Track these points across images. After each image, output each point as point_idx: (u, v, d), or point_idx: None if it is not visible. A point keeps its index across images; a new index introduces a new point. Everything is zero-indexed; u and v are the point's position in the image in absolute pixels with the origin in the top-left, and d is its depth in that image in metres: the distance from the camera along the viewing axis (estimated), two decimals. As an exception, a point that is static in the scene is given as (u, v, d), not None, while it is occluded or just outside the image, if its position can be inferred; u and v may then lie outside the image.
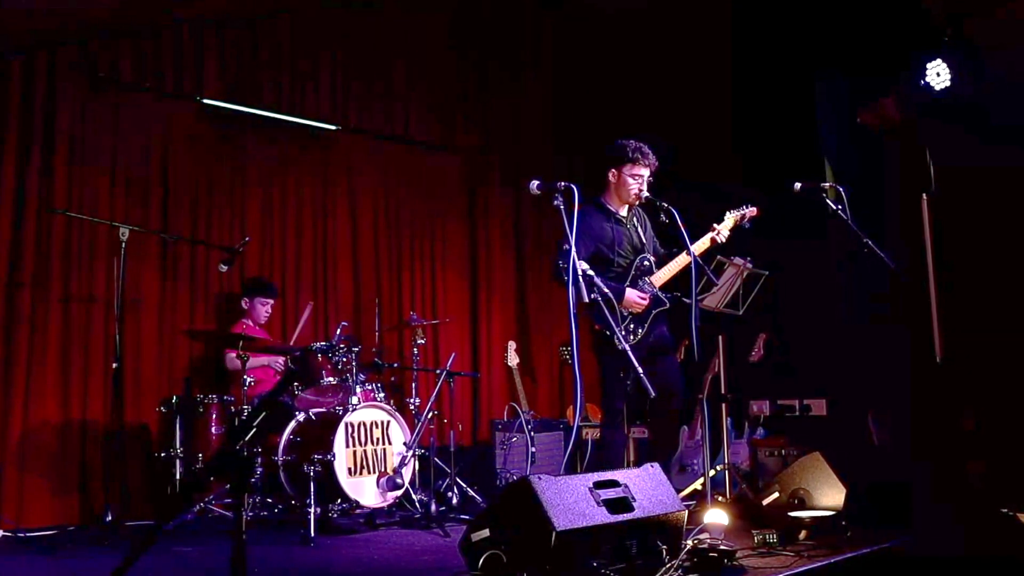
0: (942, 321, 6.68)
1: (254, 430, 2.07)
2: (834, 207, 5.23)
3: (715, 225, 5.33)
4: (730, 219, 5.39)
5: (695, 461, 7.00)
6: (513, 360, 7.78)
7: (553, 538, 3.42)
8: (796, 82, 7.63)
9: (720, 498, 5.49)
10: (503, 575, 3.49)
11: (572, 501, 3.60)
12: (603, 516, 3.66)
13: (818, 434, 6.81)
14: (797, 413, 7.02)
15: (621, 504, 3.77)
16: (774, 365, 7.33)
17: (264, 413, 2.07)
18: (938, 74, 6.69)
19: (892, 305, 7.04)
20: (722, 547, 3.91)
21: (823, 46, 7.40)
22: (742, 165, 7.79)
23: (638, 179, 5.24)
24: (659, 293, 5.22)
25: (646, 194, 5.24)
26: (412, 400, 6.29)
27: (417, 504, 5.75)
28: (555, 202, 4.52)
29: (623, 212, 5.37)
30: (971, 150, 6.80)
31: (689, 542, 3.99)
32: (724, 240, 5.32)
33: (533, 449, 6.92)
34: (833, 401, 6.97)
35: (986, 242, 6.74)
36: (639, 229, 5.39)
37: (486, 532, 3.68)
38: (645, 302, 5.12)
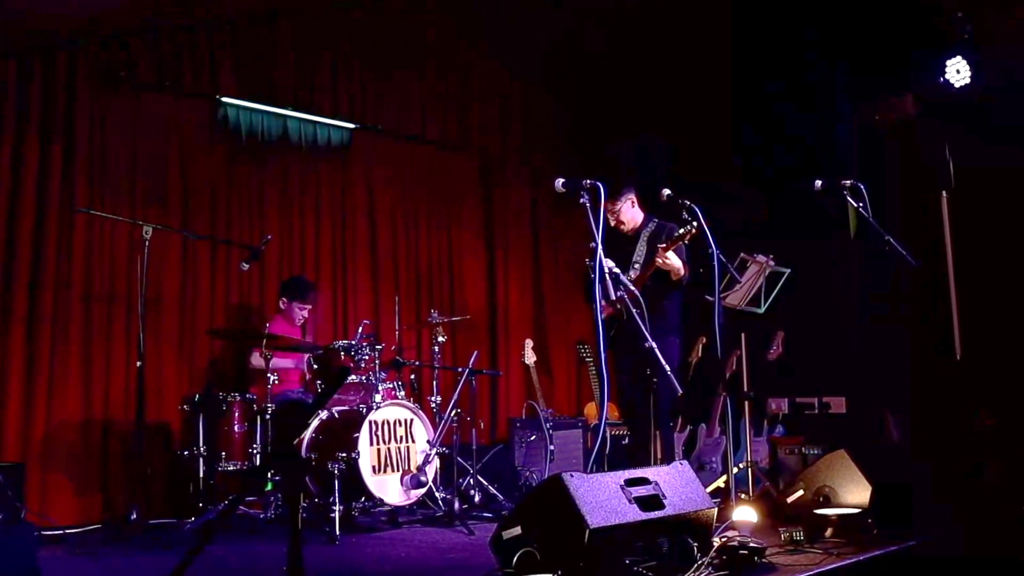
0: (960, 319, 6.70)
1: (309, 428, 2.08)
2: (855, 204, 5.21)
3: (661, 246, 5.24)
4: (670, 243, 5.26)
5: (713, 459, 7.00)
6: (530, 358, 7.78)
7: (586, 536, 3.42)
8: (796, 82, 7.66)
9: (743, 495, 5.49)
10: (537, 573, 3.49)
11: (604, 499, 3.60)
12: (635, 514, 3.67)
13: (831, 432, 6.83)
14: (816, 411, 7.03)
15: (652, 502, 3.77)
16: (778, 364, 7.32)
17: (317, 412, 2.07)
18: (958, 71, 6.70)
19: (892, 304, 7.05)
20: (752, 544, 3.91)
21: (829, 45, 7.42)
22: (742, 165, 7.84)
23: (610, 215, 5.57)
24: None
25: (667, 192, 5.27)
26: (433, 398, 6.29)
27: (440, 502, 5.75)
28: (581, 200, 4.52)
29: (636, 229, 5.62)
30: (975, 149, 6.82)
31: (716, 539, 3.99)
32: (667, 261, 5.23)
33: (552, 447, 6.92)
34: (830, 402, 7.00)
35: (989, 241, 6.76)
36: (643, 245, 5.51)
37: (517, 530, 3.69)
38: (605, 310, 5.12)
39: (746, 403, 5.98)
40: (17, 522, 4.88)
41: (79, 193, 6.17)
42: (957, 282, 6.73)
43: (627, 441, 7.05)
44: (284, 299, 6.54)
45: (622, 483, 3.76)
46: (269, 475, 5.46)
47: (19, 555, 2.49)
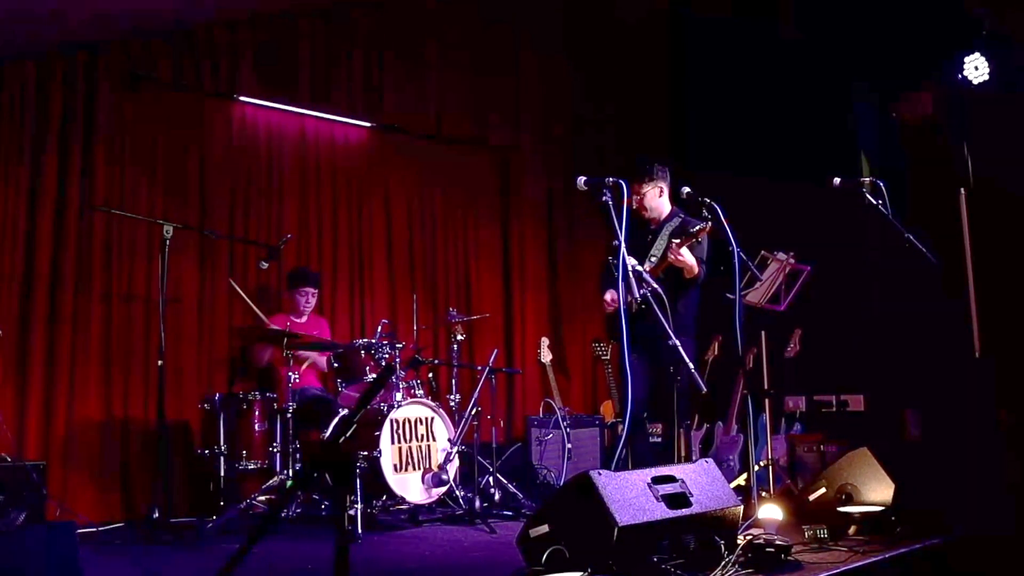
0: (980, 315, 6.68)
1: (355, 427, 2.08)
2: (874, 202, 5.20)
3: (675, 242, 5.13)
4: (684, 239, 5.17)
5: (731, 457, 7.00)
6: (546, 356, 7.78)
7: (615, 533, 3.42)
8: (804, 79, 7.66)
9: (764, 493, 5.48)
10: (566, 571, 3.48)
11: (633, 496, 3.60)
12: (662, 511, 3.66)
13: (849, 429, 6.82)
14: (833, 408, 7.03)
15: (679, 499, 3.77)
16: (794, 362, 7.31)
17: (362, 411, 2.08)
18: (976, 68, 6.67)
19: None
20: (778, 542, 3.91)
21: (841, 42, 7.41)
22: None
23: (635, 197, 5.36)
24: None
25: (687, 190, 5.24)
26: (452, 396, 6.29)
27: (461, 501, 5.74)
28: (603, 197, 4.51)
29: (659, 221, 5.48)
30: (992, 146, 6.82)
31: (741, 537, 3.99)
32: (679, 258, 5.11)
33: (569, 445, 6.93)
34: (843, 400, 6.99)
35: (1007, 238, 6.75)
36: (662, 239, 5.39)
37: (545, 528, 3.69)
38: (610, 306, 5.13)
39: (766, 401, 5.96)
40: (39, 520, 4.91)
41: (98, 191, 6.19)
42: (976, 279, 6.70)
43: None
44: (286, 292, 6.55)
45: (649, 481, 3.75)
46: (289, 473, 5.49)
47: (62, 554, 2.50)
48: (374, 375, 5.79)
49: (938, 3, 6.83)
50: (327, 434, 5.62)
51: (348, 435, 2.00)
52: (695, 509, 3.78)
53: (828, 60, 7.47)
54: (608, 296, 5.12)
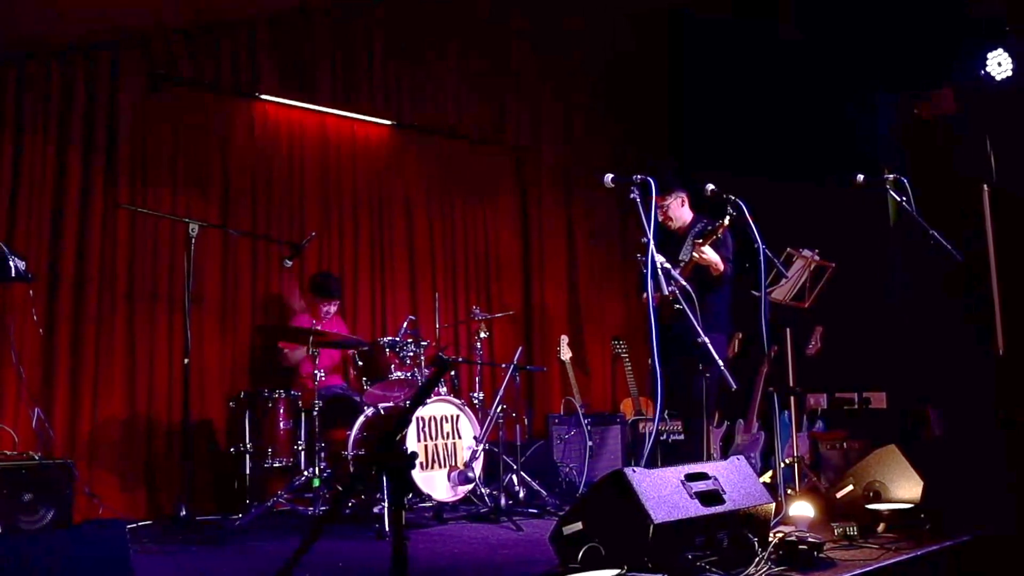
0: (1004, 314, 6.65)
1: (409, 422, 2.08)
2: (898, 199, 5.19)
3: (697, 241, 5.29)
4: (704, 238, 5.31)
5: (752, 455, 6.97)
6: (566, 354, 7.77)
7: (651, 530, 3.42)
8: (823, 75, 7.63)
9: (790, 491, 5.47)
10: (601, 568, 3.48)
11: (667, 494, 3.60)
12: (696, 508, 3.66)
13: (871, 427, 6.81)
14: (856, 406, 7.01)
15: (713, 497, 3.77)
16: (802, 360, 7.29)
17: (418, 407, 2.07)
18: (999, 64, 6.65)
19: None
20: (810, 539, 3.90)
21: (863, 39, 7.38)
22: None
23: (659, 209, 5.50)
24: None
25: (711, 187, 5.25)
26: (476, 394, 6.29)
27: (486, 498, 5.74)
28: (631, 195, 4.52)
29: (685, 228, 5.66)
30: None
31: (772, 534, 3.98)
32: (704, 257, 5.27)
33: (590, 443, 6.92)
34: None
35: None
36: (688, 244, 5.49)
37: (579, 525, 3.69)
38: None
39: (792, 398, 5.95)
40: (67, 518, 4.92)
41: (122, 190, 6.21)
42: (999, 277, 6.67)
43: (664, 437, 7.06)
44: (310, 295, 6.54)
45: (682, 478, 3.75)
46: (315, 471, 5.49)
47: (113, 552, 2.51)
48: (399, 373, 5.80)
49: (942, 2, 6.81)
50: (352, 433, 5.63)
51: (403, 433, 2.00)
52: (728, 506, 3.78)
53: (828, 60, 7.45)
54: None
